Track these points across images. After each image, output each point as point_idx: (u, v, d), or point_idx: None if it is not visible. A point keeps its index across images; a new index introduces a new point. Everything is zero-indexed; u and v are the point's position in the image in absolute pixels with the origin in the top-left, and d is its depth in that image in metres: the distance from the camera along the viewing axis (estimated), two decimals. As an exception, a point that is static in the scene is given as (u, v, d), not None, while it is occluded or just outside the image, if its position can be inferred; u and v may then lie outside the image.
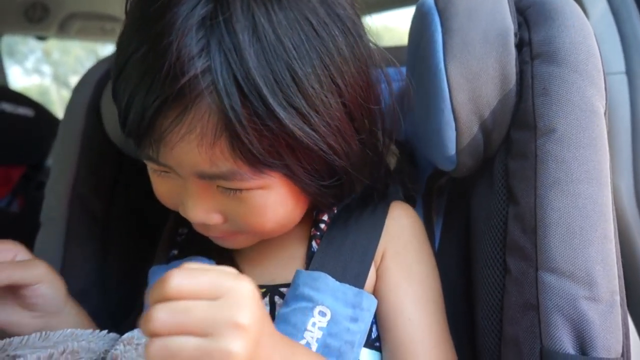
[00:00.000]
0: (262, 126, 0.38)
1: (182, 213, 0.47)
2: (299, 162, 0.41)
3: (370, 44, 0.47)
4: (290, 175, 0.42)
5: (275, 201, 0.44)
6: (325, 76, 0.40)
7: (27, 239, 0.72)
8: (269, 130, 0.38)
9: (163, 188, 0.48)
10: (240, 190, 0.43)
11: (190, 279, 0.31)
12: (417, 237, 0.53)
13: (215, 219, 0.45)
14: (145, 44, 0.38)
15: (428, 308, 0.49)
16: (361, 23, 0.46)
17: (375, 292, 0.51)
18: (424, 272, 0.51)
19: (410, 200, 0.58)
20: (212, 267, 0.34)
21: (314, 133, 0.40)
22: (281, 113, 0.38)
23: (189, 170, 0.42)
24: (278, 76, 0.38)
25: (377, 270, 0.51)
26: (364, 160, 0.47)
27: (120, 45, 0.42)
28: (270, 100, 0.38)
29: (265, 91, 0.37)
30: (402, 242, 0.52)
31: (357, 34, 0.44)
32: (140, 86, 0.39)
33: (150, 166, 0.46)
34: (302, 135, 0.40)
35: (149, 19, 0.39)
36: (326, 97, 0.40)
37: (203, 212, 0.44)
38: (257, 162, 0.40)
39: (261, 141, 0.39)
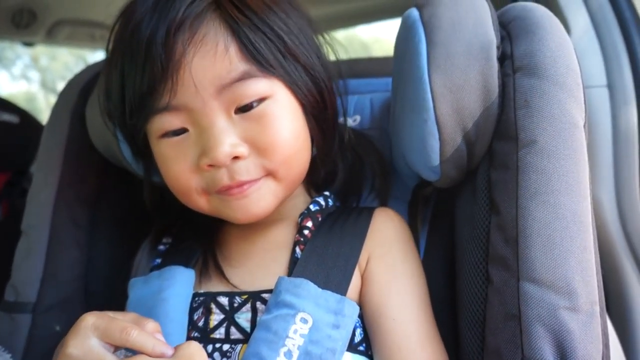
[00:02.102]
0: (259, 30, 0.48)
1: (205, 162, 0.47)
2: (291, 69, 0.50)
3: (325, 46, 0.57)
4: (289, 81, 0.50)
5: (284, 111, 0.49)
6: (289, 10, 0.51)
7: (10, 247, 0.71)
8: (264, 34, 0.48)
9: (178, 157, 0.49)
10: (253, 105, 0.48)
11: None
12: (401, 238, 0.54)
13: (241, 148, 0.48)
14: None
15: (413, 306, 0.49)
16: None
17: (361, 296, 0.51)
18: (408, 270, 0.52)
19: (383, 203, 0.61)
20: None
21: (295, 41, 0.50)
22: (268, 20, 0.49)
23: (209, 90, 0.47)
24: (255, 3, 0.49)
25: (362, 275, 0.51)
26: (330, 88, 0.55)
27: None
28: (260, 12, 0.48)
29: (254, 7, 0.48)
30: (387, 244, 0.52)
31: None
32: (155, 22, 0.47)
33: (162, 133, 0.50)
34: (289, 40, 0.49)
35: None
36: (292, 21, 0.51)
37: (229, 143, 0.47)
38: (264, 61, 0.48)
39: (262, 43, 0.48)
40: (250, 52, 0.47)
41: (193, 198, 0.51)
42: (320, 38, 0.56)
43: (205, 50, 0.46)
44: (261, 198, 0.49)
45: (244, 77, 0.47)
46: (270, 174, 0.49)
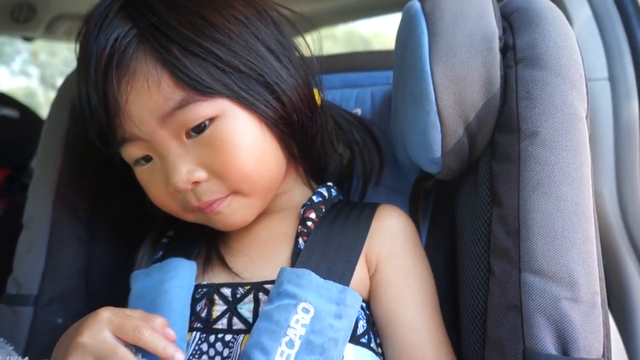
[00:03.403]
0: (190, 53, 0.46)
1: (169, 189, 0.49)
2: (234, 82, 0.48)
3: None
4: (235, 96, 0.48)
5: (239, 129, 0.48)
6: (230, 12, 0.49)
7: (11, 242, 0.71)
8: (197, 54, 0.46)
9: (151, 182, 0.51)
10: (204, 126, 0.47)
11: None
12: (410, 239, 0.54)
13: (198, 173, 0.48)
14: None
15: (427, 313, 0.50)
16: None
17: (372, 299, 0.51)
18: (419, 275, 0.52)
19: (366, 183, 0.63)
20: None
21: (230, 52, 0.47)
22: (198, 36, 0.46)
23: (152, 122, 0.47)
24: (188, 15, 0.47)
25: (372, 276, 0.51)
26: (294, 81, 0.52)
27: None
28: (189, 30, 0.46)
29: (182, 26, 0.46)
30: (397, 245, 0.53)
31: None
32: (87, 66, 0.48)
33: (133, 161, 0.51)
34: (222, 54, 0.47)
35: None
36: (232, 25, 0.48)
37: (185, 170, 0.48)
38: (200, 85, 0.46)
39: (194, 65, 0.46)
40: (182, 79, 0.46)
41: (179, 214, 0.53)
42: (293, 31, 0.53)
43: (139, 86, 0.46)
44: (234, 212, 0.51)
45: (182, 105, 0.46)
46: (235, 191, 0.50)
